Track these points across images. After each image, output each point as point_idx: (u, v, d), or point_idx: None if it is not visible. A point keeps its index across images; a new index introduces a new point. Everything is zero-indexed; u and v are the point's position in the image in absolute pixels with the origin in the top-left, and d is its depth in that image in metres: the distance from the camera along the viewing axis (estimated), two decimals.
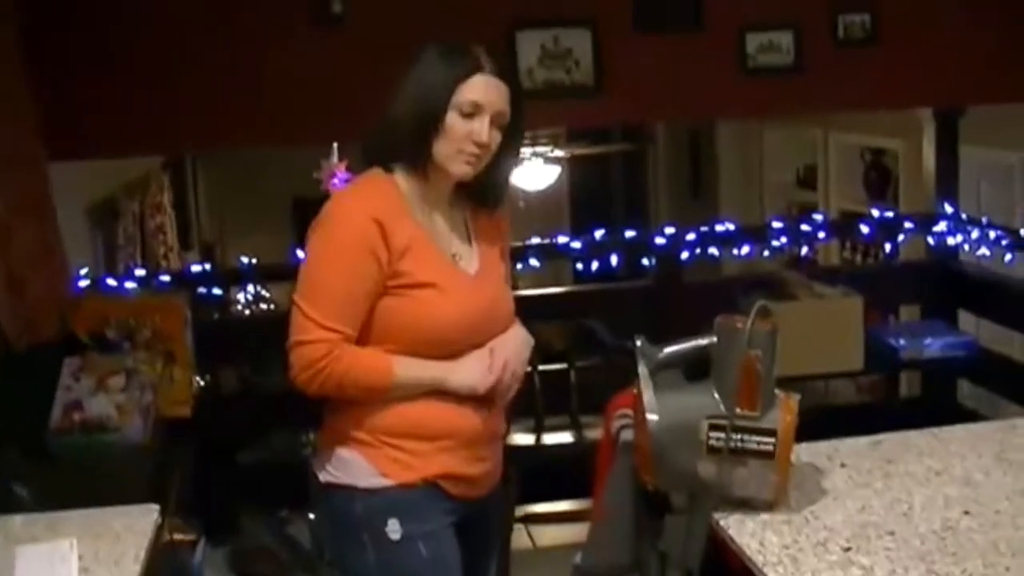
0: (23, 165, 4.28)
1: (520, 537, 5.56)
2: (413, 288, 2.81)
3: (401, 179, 2.89)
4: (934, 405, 6.29)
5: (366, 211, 2.79)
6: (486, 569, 3.20)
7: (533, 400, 4.63)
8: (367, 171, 2.94)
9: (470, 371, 2.88)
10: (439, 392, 2.85)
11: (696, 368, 2.64)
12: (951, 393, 6.40)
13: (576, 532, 2.80)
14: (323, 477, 2.93)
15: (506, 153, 2.93)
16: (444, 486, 2.88)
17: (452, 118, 2.80)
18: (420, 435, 2.85)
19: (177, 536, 4.90)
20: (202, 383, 5.85)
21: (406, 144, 2.85)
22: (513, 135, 2.92)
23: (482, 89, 2.81)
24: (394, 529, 2.83)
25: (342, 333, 2.78)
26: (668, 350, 2.64)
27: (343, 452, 2.89)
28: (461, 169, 2.84)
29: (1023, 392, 5.73)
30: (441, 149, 2.82)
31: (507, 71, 2.90)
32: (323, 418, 2.99)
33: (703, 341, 2.60)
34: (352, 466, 2.87)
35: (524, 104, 2.94)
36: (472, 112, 2.80)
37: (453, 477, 2.90)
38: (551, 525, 5.63)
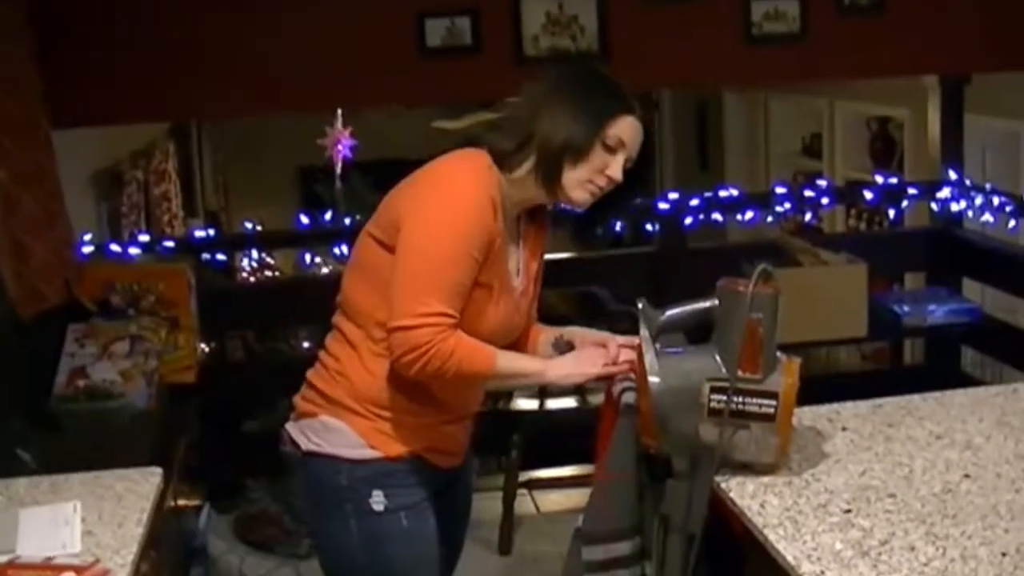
0: (25, 133, 4.28)
1: (524, 503, 5.58)
2: (476, 287, 2.75)
3: (499, 176, 2.81)
4: (937, 372, 6.29)
5: (489, 194, 2.73)
6: (459, 535, 3.21)
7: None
8: (459, 150, 2.86)
9: (563, 368, 2.85)
10: None
11: (698, 332, 2.64)
12: (955, 360, 6.40)
13: (580, 497, 2.80)
14: (305, 445, 2.88)
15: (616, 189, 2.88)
16: (428, 458, 2.88)
17: (596, 148, 2.77)
18: (409, 409, 2.82)
19: (182, 502, 4.92)
20: (207, 350, 5.87)
21: (545, 159, 2.78)
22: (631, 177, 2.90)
23: (631, 130, 2.82)
24: (378, 500, 2.81)
25: (454, 318, 2.70)
26: (670, 313, 2.64)
27: (329, 421, 2.85)
28: (582, 197, 2.81)
29: None
30: (573, 174, 2.77)
31: (645, 121, 2.91)
32: (305, 384, 2.95)
33: (705, 304, 2.60)
34: (339, 435, 2.83)
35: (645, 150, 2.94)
36: (615, 148, 2.79)
37: (437, 451, 2.90)
38: (555, 490, 5.64)
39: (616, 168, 2.79)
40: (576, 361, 2.87)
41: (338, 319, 2.91)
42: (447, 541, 3.04)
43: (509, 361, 2.81)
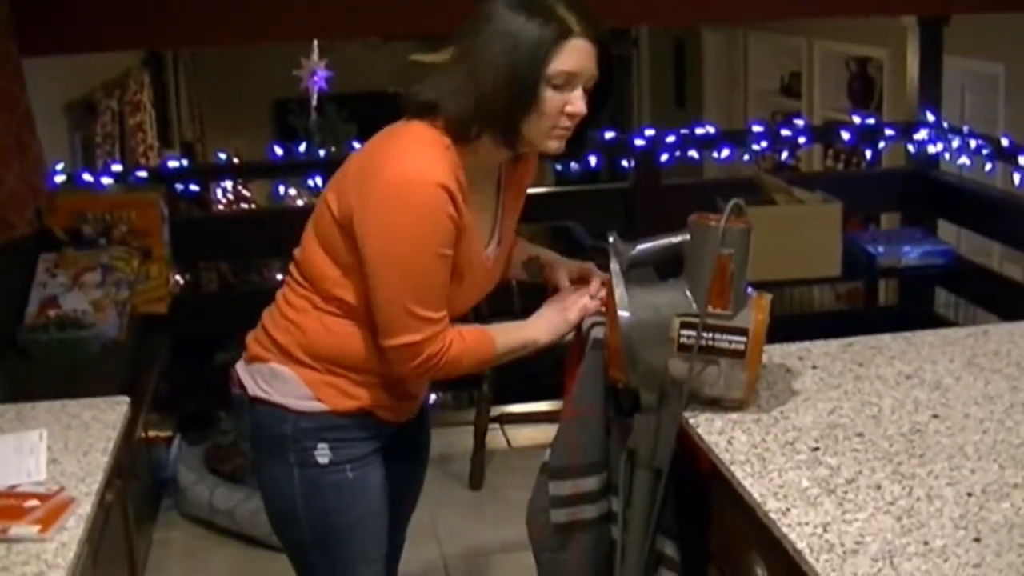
0: None
1: (495, 437, 5.59)
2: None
3: (455, 146, 2.60)
4: (911, 313, 6.31)
5: (447, 184, 2.51)
6: (414, 482, 3.16)
7: (510, 300, 4.62)
8: (415, 123, 2.63)
9: (552, 325, 2.80)
10: (374, 328, 2.69)
11: (670, 268, 2.63)
12: (928, 302, 6.43)
13: (551, 432, 2.79)
14: (252, 390, 2.79)
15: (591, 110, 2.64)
16: (378, 413, 2.80)
17: (545, 92, 2.52)
18: (361, 367, 2.74)
19: (152, 433, 4.93)
20: (181, 281, 5.86)
21: (496, 123, 2.55)
22: (601, 91, 2.66)
23: (574, 57, 2.53)
24: (323, 453, 2.74)
25: (445, 316, 2.63)
26: (640, 247, 2.62)
27: (279, 369, 2.75)
28: (554, 145, 2.63)
29: (999, 301, 5.75)
30: (534, 127, 2.57)
31: (593, 26, 2.57)
32: (260, 325, 2.84)
33: (676, 239, 2.59)
34: (287, 385, 2.74)
35: (613, 54, 2.66)
36: (565, 83, 2.54)
37: (387, 407, 2.82)
38: (526, 425, 5.65)
39: (577, 103, 2.56)
40: (561, 313, 2.82)
41: (295, 271, 2.79)
42: (401, 489, 3.01)
43: (506, 339, 2.76)
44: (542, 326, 2.80)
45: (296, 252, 2.78)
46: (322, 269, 2.69)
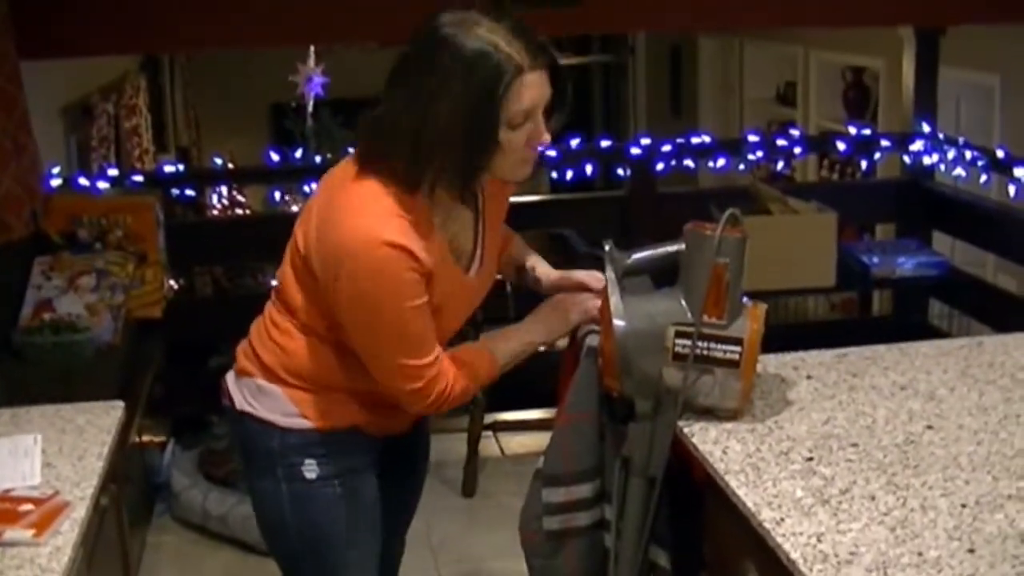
0: None
1: (489, 445, 5.59)
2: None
3: (417, 205, 2.52)
4: (905, 324, 6.32)
5: (394, 241, 2.44)
6: (411, 494, 3.14)
7: (505, 308, 4.62)
8: (364, 175, 2.53)
9: (549, 325, 2.80)
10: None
11: (665, 277, 2.63)
12: (922, 312, 6.43)
13: (545, 440, 2.79)
14: (239, 404, 2.77)
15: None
16: (366, 429, 2.77)
17: (506, 135, 2.44)
18: (347, 387, 2.71)
19: (146, 437, 4.92)
20: (176, 286, 5.85)
21: (455, 175, 2.48)
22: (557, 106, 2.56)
23: (529, 93, 2.44)
24: (310, 468, 2.71)
25: (438, 356, 2.60)
26: (636, 255, 2.63)
27: (265, 385, 2.72)
28: (523, 173, 2.58)
29: (993, 313, 5.76)
30: (500, 166, 2.51)
31: (541, 52, 2.46)
32: (248, 338, 2.81)
33: (672, 248, 2.59)
34: (273, 401, 2.71)
35: (564, 72, 2.55)
36: (525, 119, 2.46)
37: (375, 423, 2.78)
38: (520, 433, 5.65)
39: (540, 133, 2.50)
40: (560, 313, 2.81)
41: (277, 296, 2.75)
42: (398, 499, 3.00)
43: (506, 348, 2.74)
44: (540, 327, 2.80)
45: (278, 273, 2.75)
46: (298, 300, 2.66)
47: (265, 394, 2.72)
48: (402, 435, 2.91)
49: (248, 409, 2.74)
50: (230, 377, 2.83)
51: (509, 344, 2.76)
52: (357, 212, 2.49)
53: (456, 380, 2.62)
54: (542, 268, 2.98)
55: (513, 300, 4.40)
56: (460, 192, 2.56)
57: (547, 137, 2.52)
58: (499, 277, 2.97)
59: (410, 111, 2.44)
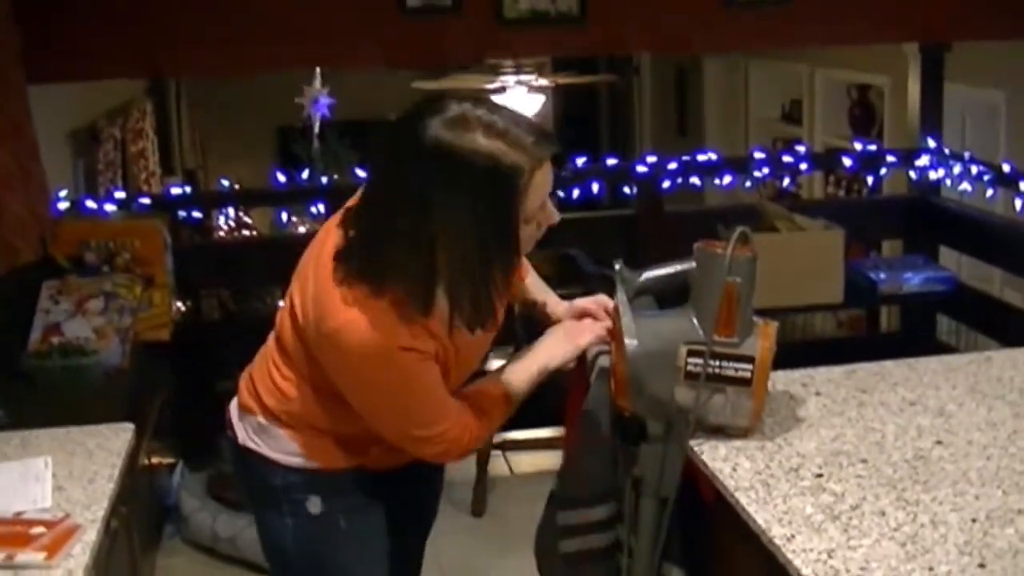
0: (1, 89, 4.25)
1: (498, 464, 5.58)
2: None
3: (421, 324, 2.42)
4: (913, 340, 6.32)
5: (406, 345, 2.38)
6: (424, 513, 3.07)
7: (512, 328, 4.61)
8: (355, 295, 2.39)
9: (560, 349, 2.74)
10: None
11: (670, 296, 2.63)
12: (930, 328, 6.43)
13: (554, 459, 2.79)
14: (242, 439, 2.72)
15: None
16: (370, 466, 2.72)
17: (523, 232, 2.36)
18: (351, 434, 2.64)
19: (155, 459, 4.92)
20: (183, 309, 5.86)
21: (477, 297, 2.37)
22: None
23: (542, 185, 2.35)
24: (315, 504, 2.67)
25: (456, 412, 2.56)
26: (647, 275, 2.63)
27: (267, 425, 2.67)
28: (529, 249, 2.46)
29: (1001, 328, 5.75)
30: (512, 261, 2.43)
31: (543, 141, 2.34)
32: (249, 374, 2.75)
33: (682, 266, 2.59)
34: (276, 441, 2.66)
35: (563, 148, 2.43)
36: (536, 213, 2.38)
37: (380, 460, 2.72)
38: (528, 452, 5.65)
39: (549, 215, 2.43)
40: (570, 339, 2.76)
41: (276, 341, 2.67)
42: (415, 516, 2.96)
43: (518, 381, 2.68)
44: (551, 352, 2.74)
45: (278, 318, 2.68)
46: (299, 355, 2.59)
47: (267, 433, 2.67)
48: (407, 466, 2.81)
49: (251, 446, 2.70)
50: (233, 409, 2.78)
51: (522, 377, 2.69)
52: (356, 310, 2.38)
53: (473, 430, 2.58)
54: (552, 304, 2.95)
55: (520, 323, 4.39)
56: (478, 322, 2.44)
57: (556, 217, 2.44)
58: None
59: (416, 242, 2.31)
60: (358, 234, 2.40)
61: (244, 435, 2.72)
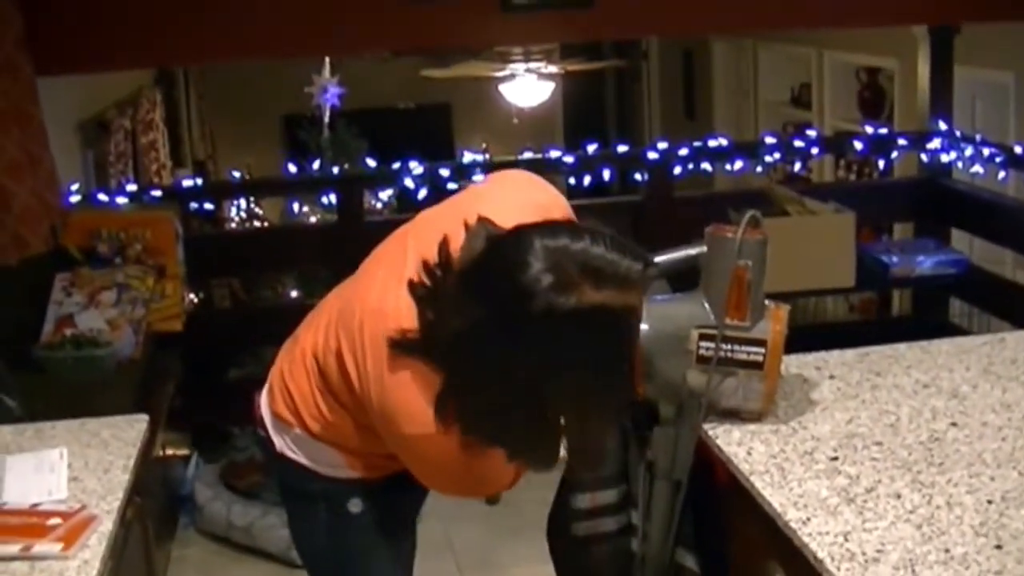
0: (7, 77, 4.25)
1: None
2: None
3: None
4: (925, 323, 6.30)
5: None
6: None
7: None
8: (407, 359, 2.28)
9: None
10: None
11: (681, 280, 2.63)
12: (942, 311, 6.41)
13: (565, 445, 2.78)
14: (279, 446, 2.64)
15: None
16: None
17: None
18: (392, 456, 2.52)
19: (169, 450, 4.93)
20: (195, 300, 5.87)
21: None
22: None
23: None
24: (355, 504, 2.62)
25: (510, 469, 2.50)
26: (658, 259, 2.62)
27: (308, 438, 2.59)
28: None
29: (1013, 310, 5.74)
30: None
31: (646, 268, 2.21)
32: (283, 386, 2.63)
33: (693, 250, 2.59)
34: (317, 452, 2.60)
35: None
36: None
37: None
38: None
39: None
40: None
41: (319, 372, 2.54)
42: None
43: None
44: None
45: (320, 356, 2.53)
46: (348, 400, 2.48)
47: (308, 445, 2.61)
48: None
49: (290, 455, 2.64)
50: (266, 412, 2.69)
51: None
52: (431, 423, 2.27)
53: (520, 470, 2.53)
54: None
55: None
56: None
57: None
58: None
59: (531, 417, 2.23)
60: (457, 404, 2.24)
61: (281, 443, 2.65)
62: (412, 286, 2.28)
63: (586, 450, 2.36)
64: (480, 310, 2.14)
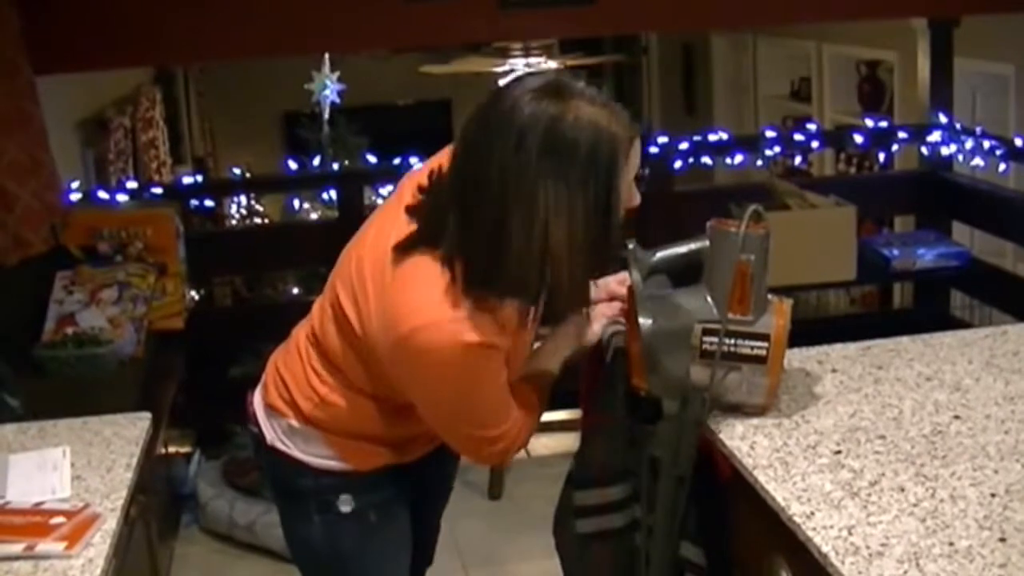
0: (6, 77, 4.25)
1: None
2: None
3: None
4: (927, 316, 6.30)
5: (481, 341, 2.31)
6: (435, 513, 3.09)
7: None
8: (423, 268, 2.33)
9: (573, 339, 2.72)
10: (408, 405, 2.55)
11: (683, 275, 2.63)
12: (944, 304, 6.41)
13: (570, 441, 2.79)
14: (270, 439, 2.67)
15: None
16: (399, 462, 2.71)
17: (619, 210, 2.35)
18: (386, 432, 2.63)
19: (171, 448, 4.93)
20: (196, 297, 5.87)
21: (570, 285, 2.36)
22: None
23: (633, 165, 2.36)
24: (345, 502, 2.65)
25: (515, 413, 2.54)
26: (660, 254, 2.62)
27: (300, 427, 2.63)
28: None
29: (1015, 302, 5.74)
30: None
31: (632, 121, 2.34)
32: (278, 373, 2.68)
33: (696, 245, 2.58)
34: (308, 443, 2.63)
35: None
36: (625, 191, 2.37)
37: (411, 455, 2.74)
38: (544, 434, 5.64)
39: (632, 196, 2.41)
40: (582, 327, 2.74)
41: (317, 348, 2.61)
42: (425, 522, 2.97)
43: (548, 378, 2.69)
44: (568, 343, 2.73)
45: (317, 328, 2.61)
46: (346, 364, 2.55)
47: (300, 436, 2.64)
48: (424, 456, 2.82)
49: (280, 447, 2.66)
50: (258, 403, 2.73)
51: (544, 377, 2.69)
52: (434, 311, 2.30)
53: (524, 428, 2.56)
54: None
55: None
56: (573, 306, 2.49)
57: (638, 199, 2.43)
58: None
59: (530, 237, 2.25)
60: (459, 234, 2.30)
61: (272, 435, 2.68)
62: (408, 209, 2.39)
63: (565, 288, 2.34)
64: (482, 141, 2.27)
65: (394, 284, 2.35)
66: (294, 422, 2.63)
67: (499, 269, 2.28)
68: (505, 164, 2.22)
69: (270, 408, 2.69)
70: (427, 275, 2.32)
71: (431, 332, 2.30)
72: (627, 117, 2.31)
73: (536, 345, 2.74)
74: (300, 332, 2.69)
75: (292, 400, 2.63)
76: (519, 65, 8.66)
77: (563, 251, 2.26)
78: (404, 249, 2.35)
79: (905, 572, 1.98)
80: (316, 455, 2.64)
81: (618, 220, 2.32)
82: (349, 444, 2.63)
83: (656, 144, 5.89)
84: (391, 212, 2.48)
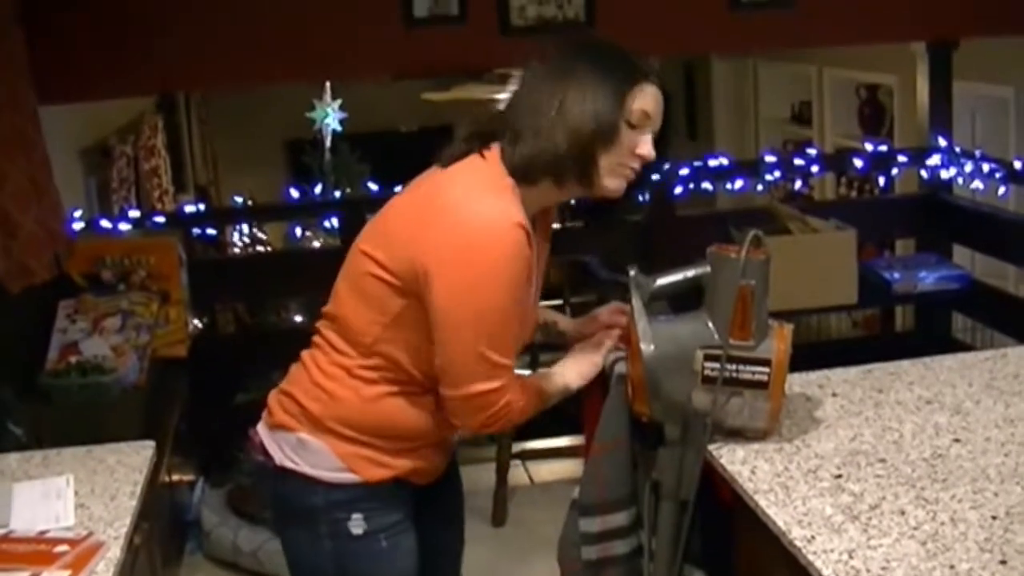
0: (11, 105, 4.26)
1: (517, 473, 5.59)
2: None
3: (517, 186, 2.57)
4: (928, 338, 6.31)
5: (522, 222, 2.46)
6: (453, 539, 3.09)
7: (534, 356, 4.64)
8: (469, 164, 2.61)
9: (581, 370, 2.77)
10: (413, 392, 2.63)
11: (683, 300, 2.64)
12: (945, 326, 6.42)
13: (573, 467, 2.80)
14: (279, 460, 2.68)
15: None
16: (409, 479, 2.72)
17: (623, 129, 2.54)
18: (395, 435, 2.66)
19: (175, 476, 4.94)
20: (200, 325, 5.88)
21: (575, 159, 2.52)
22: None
23: (653, 100, 2.61)
24: (357, 523, 2.65)
25: (513, 365, 2.57)
26: (662, 280, 2.63)
27: (308, 440, 2.64)
28: (617, 184, 2.61)
29: (1016, 324, 5.74)
30: (605, 162, 2.56)
31: (657, 76, 2.66)
32: (284, 392, 2.74)
33: (696, 271, 2.60)
34: (317, 456, 2.64)
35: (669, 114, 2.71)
36: (640, 124, 2.57)
37: (419, 471, 2.74)
38: (548, 460, 5.65)
39: (647, 146, 2.59)
40: (589, 358, 2.79)
41: (328, 334, 2.69)
42: (440, 548, 2.96)
43: (549, 387, 2.71)
44: (573, 372, 2.77)
45: (327, 311, 2.70)
46: (364, 327, 2.60)
47: (308, 449, 2.65)
48: (436, 482, 2.85)
49: (290, 465, 2.67)
50: (263, 431, 2.75)
51: (551, 385, 2.73)
52: (482, 196, 2.51)
53: (520, 398, 2.57)
54: (563, 321, 3.01)
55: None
56: (578, 187, 2.61)
57: (652, 152, 2.62)
58: None
59: (541, 93, 2.57)
60: (509, 132, 2.59)
61: (281, 455, 2.68)
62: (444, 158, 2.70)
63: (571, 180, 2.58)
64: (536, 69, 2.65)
65: (448, 185, 2.59)
66: (302, 434, 2.65)
67: (502, 124, 2.63)
68: (540, 70, 2.63)
69: (277, 428, 2.70)
70: (475, 171, 2.59)
71: (485, 206, 2.48)
72: (650, 69, 2.65)
73: (541, 371, 2.80)
74: (304, 354, 2.76)
75: (300, 408, 2.66)
76: None
77: (571, 120, 2.52)
78: (446, 164, 2.66)
79: None
80: (325, 468, 2.64)
81: (617, 122, 2.55)
82: (357, 451, 2.63)
83: (658, 170, 5.89)
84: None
